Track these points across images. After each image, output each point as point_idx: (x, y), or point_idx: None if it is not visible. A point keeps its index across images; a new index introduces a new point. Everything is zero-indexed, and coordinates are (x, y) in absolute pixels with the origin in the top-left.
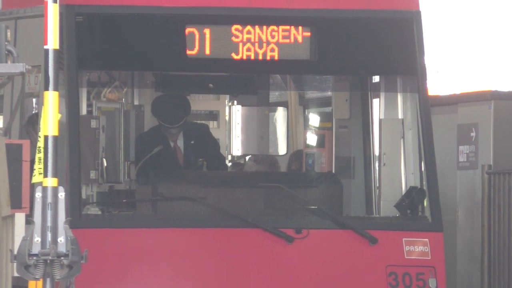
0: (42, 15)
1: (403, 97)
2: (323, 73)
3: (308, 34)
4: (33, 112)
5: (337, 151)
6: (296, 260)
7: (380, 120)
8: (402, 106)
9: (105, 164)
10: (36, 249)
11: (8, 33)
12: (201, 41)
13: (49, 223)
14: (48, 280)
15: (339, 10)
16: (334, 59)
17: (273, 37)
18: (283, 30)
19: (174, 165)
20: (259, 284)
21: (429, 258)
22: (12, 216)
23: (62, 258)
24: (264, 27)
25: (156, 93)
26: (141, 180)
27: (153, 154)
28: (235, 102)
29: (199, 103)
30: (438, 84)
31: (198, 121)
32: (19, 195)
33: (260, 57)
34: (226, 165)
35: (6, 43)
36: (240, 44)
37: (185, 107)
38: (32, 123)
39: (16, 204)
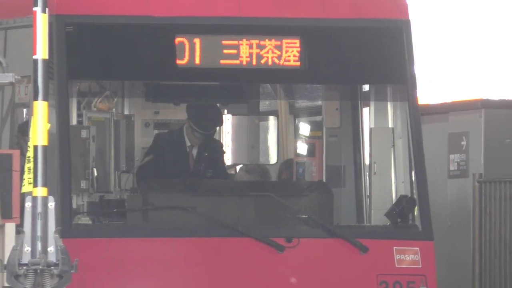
0: (32, 25)
1: (393, 106)
2: (313, 82)
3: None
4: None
5: (327, 160)
6: (287, 269)
7: (370, 129)
8: (392, 115)
9: (95, 173)
10: (26, 258)
11: None
12: (191, 51)
13: (39, 233)
14: None
15: (329, 19)
16: (324, 68)
17: (263, 46)
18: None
19: (185, 170)
20: None
21: (420, 266)
22: (2, 226)
23: (52, 267)
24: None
25: (146, 103)
26: (142, 175)
27: (149, 160)
28: (225, 111)
29: None
30: (429, 93)
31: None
32: (10, 205)
33: (250, 66)
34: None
35: None
36: (230, 53)
37: (219, 117)
38: (22, 131)
39: (6, 214)
